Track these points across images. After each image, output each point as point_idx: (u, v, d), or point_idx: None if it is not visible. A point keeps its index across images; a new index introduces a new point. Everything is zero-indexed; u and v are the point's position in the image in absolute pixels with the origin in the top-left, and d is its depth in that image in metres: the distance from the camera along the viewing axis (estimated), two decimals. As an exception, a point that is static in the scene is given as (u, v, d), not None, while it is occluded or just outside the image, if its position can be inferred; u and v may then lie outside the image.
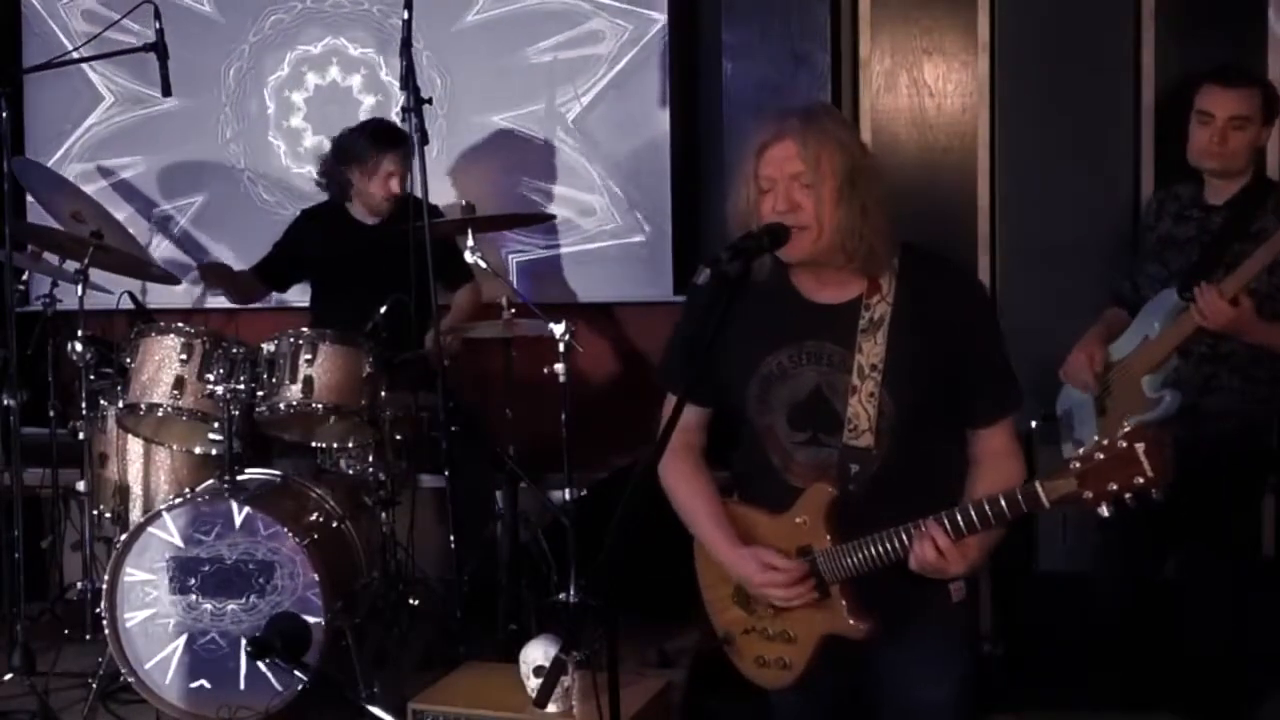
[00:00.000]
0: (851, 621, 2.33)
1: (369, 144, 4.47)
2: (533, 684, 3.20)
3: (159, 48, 4.17)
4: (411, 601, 4.20)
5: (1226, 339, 3.24)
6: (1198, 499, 3.28)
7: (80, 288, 4.11)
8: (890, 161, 4.35)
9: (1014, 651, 3.96)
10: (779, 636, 2.43)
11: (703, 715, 3.75)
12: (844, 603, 2.33)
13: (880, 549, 2.27)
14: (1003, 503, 2.17)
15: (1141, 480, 2.04)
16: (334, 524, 3.92)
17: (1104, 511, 2.08)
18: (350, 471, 4.19)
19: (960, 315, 2.32)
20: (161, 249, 5.41)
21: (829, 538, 2.32)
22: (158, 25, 4.16)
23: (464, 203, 4.48)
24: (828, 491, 2.33)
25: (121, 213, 5.10)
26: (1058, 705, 3.71)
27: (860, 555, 2.29)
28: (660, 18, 5.05)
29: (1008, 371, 2.39)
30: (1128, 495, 2.06)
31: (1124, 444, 2.05)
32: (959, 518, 2.20)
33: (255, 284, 4.76)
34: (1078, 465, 2.08)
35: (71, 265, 4.27)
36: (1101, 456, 2.06)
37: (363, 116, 4.99)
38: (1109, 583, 3.61)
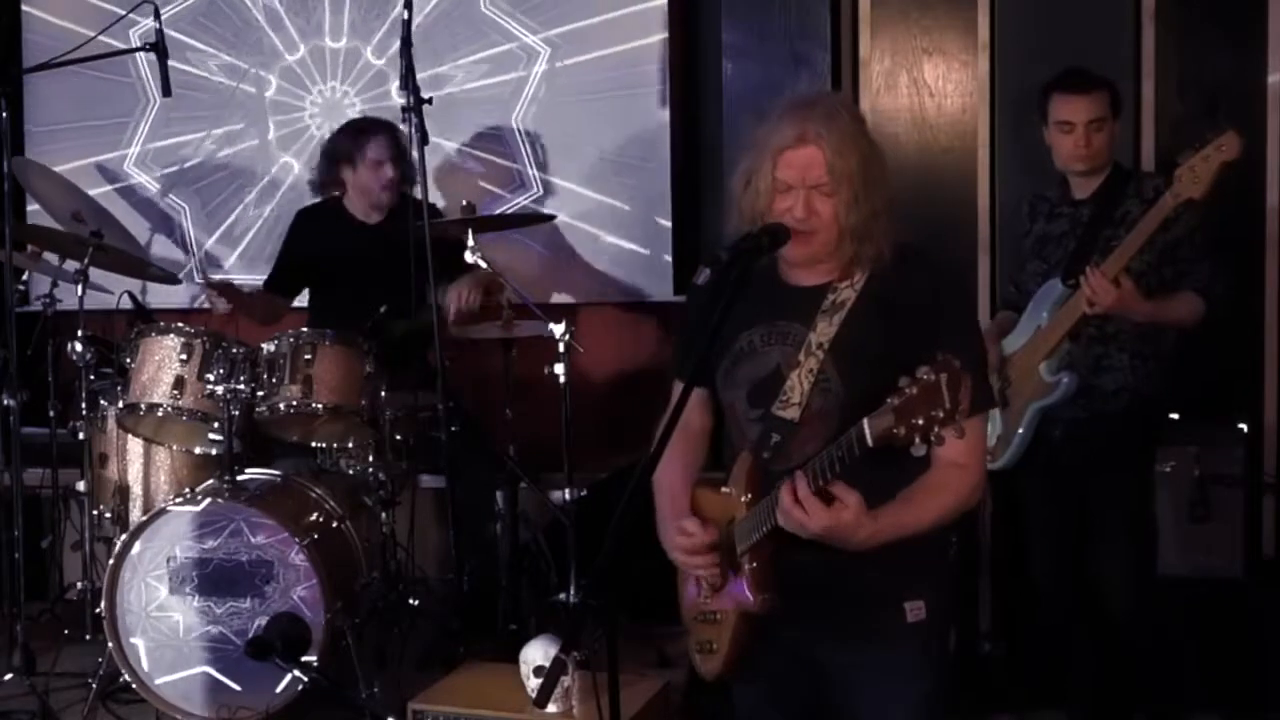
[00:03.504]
0: (749, 595, 2.26)
1: (351, 138, 4.48)
2: (533, 684, 3.20)
3: (159, 48, 4.17)
4: (411, 601, 4.20)
5: (1113, 319, 3.38)
6: (1102, 474, 3.47)
7: (80, 288, 4.10)
8: (890, 161, 4.34)
9: (1014, 651, 3.96)
10: (710, 619, 2.39)
11: (702, 715, 3.75)
12: (747, 577, 2.26)
13: (768, 507, 2.20)
14: (841, 443, 2.09)
15: (940, 413, 1.94)
16: (334, 524, 3.92)
17: (917, 450, 1.99)
18: (350, 471, 4.19)
19: (925, 304, 2.24)
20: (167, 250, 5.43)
21: (745, 506, 2.27)
22: (157, 25, 4.16)
23: (464, 203, 4.47)
24: (747, 459, 2.29)
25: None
26: (1058, 705, 3.72)
27: (755, 518, 2.23)
28: (660, 18, 5.05)
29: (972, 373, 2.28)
30: (933, 431, 1.96)
31: (930, 376, 1.95)
32: (817, 463, 2.12)
33: (272, 302, 4.61)
34: (895, 401, 1.98)
35: (71, 265, 4.27)
36: (914, 391, 1.96)
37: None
38: (1046, 580, 3.65)
